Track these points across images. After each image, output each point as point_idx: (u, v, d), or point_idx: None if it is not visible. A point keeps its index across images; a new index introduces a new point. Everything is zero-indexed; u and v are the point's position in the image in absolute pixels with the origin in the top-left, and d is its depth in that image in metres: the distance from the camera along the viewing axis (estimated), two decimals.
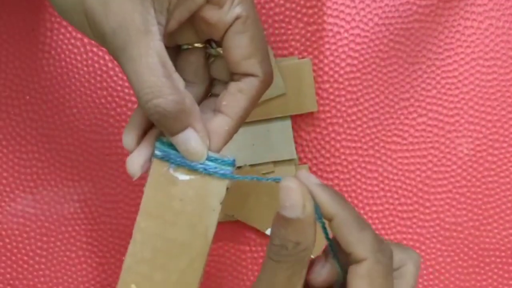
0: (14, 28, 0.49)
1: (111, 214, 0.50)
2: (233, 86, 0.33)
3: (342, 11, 0.50)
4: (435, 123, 0.51)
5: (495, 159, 0.51)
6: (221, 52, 0.33)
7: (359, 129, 0.51)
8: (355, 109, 0.51)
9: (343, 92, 0.50)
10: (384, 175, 0.51)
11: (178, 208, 0.32)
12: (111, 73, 0.50)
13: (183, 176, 0.32)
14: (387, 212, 0.51)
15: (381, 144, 0.51)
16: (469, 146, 0.51)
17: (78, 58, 0.50)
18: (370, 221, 0.51)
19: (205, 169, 0.32)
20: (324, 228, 0.31)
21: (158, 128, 0.32)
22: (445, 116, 0.51)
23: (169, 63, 0.30)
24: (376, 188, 0.51)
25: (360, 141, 0.51)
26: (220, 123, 0.33)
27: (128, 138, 0.33)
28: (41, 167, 0.50)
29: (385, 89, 0.51)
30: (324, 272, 0.32)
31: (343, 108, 0.50)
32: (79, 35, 0.49)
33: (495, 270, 0.52)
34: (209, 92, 0.36)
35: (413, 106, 0.51)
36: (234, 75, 0.34)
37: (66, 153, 0.50)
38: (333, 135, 0.51)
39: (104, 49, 0.49)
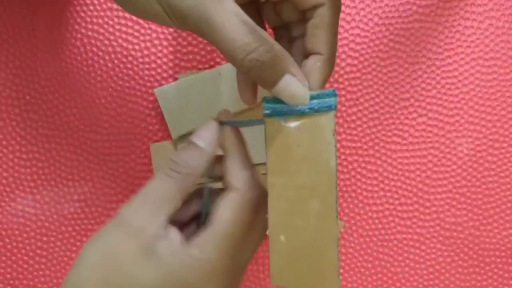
0: (14, 28, 0.49)
1: (111, 214, 0.50)
2: (309, 25, 0.34)
3: (342, 11, 0.50)
4: (435, 123, 0.51)
5: (495, 159, 0.51)
6: None
7: (359, 129, 0.51)
8: (355, 109, 0.51)
9: (343, 92, 0.50)
10: (384, 175, 0.51)
11: (298, 154, 0.34)
12: (111, 73, 0.50)
13: (294, 124, 0.34)
14: (387, 212, 0.51)
15: (381, 144, 0.51)
16: (469, 146, 0.51)
17: (78, 58, 0.50)
18: (370, 221, 0.51)
19: (310, 108, 0.34)
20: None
21: (258, 84, 0.33)
22: (445, 116, 0.51)
23: (249, 20, 0.31)
24: (376, 188, 0.51)
25: (360, 141, 0.51)
26: (313, 61, 0.34)
27: (246, 96, 0.37)
28: (41, 167, 0.50)
29: (385, 89, 0.51)
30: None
31: (343, 108, 0.50)
32: (79, 35, 0.49)
33: (495, 270, 0.52)
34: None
35: (413, 106, 0.51)
36: (306, 13, 0.35)
37: (66, 153, 0.50)
38: None
39: (104, 49, 0.49)
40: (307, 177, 0.35)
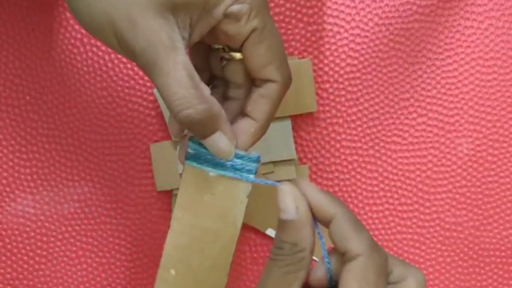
0: (14, 28, 0.49)
1: (111, 214, 0.50)
2: (255, 92, 0.36)
3: (342, 11, 0.50)
4: (435, 123, 0.51)
5: (495, 159, 0.51)
6: (235, 56, 0.36)
7: (359, 129, 0.51)
8: (355, 109, 0.51)
9: (343, 92, 0.50)
10: (384, 175, 0.51)
11: (209, 201, 0.36)
12: (111, 73, 0.50)
13: (213, 173, 0.36)
14: (387, 212, 0.51)
15: (381, 144, 0.51)
16: (469, 146, 0.51)
17: (78, 58, 0.50)
18: (370, 221, 0.51)
19: (232, 166, 0.35)
20: (319, 233, 0.33)
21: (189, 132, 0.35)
22: (445, 116, 0.51)
23: (195, 75, 0.32)
24: (376, 188, 0.51)
25: (360, 141, 0.51)
26: (247, 125, 0.36)
27: (173, 130, 0.37)
28: (41, 167, 0.50)
29: (385, 89, 0.51)
30: (316, 273, 0.33)
31: (343, 108, 0.50)
32: (78, 35, 0.49)
33: (495, 270, 0.52)
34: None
35: (413, 106, 0.51)
36: (255, 81, 0.36)
37: (66, 153, 0.50)
38: (333, 135, 0.51)
39: (104, 49, 0.49)
40: (214, 224, 0.36)
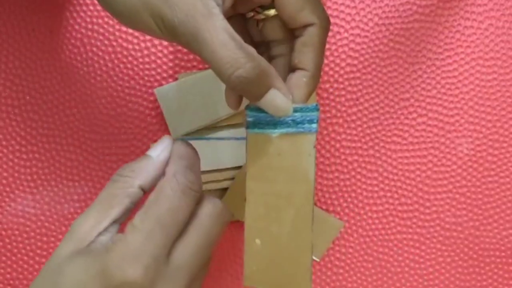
0: (14, 28, 0.49)
1: None
2: (297, 42, 0.35)
3: (342, 11, 0.50)
4: (435, 123, 0.51)
5: (495, 159, 0.51)
6: (269, 13, 0.36)
7: (359, 129, 0.51)
8: (355, 109, 0.51)
9: (343, 92, 0.50)
10: (384, 175, 0.51)
11: (277, 163, 0.36)
12: (111, 73, 0.50)
13: (275, 133, 0.35)
14: (387, 212, 0.51)
15: (381, 144, 0.51)
16: (469, 146, 0.51)
17: (78, 58, 0.50)
18: (370, 221, 0.51)
19: (293, 120, 0.35)
20: None
21: (244, 96, 0.35)
22: (445, 116, 0.51)
23: (237, 36, 0.32)
24: (376, 188, 0.51)
25: (360, 141, 0.51)
26: (298, 77, 0.35)
27: (231, 101, 0.37)
28: (41, 167, 0.50)
29: (385, 89, 0.51)
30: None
31: (343, 108, 0.50)
32: (79, 35, 0.49)
33: (495, 270, 0.52)
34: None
35: (413, 106, 0.51)
36: (295, 31, 0.36)
37: (66, 153, 0.50)
38: (333, 135, 0.51)
39: (104, 49, 0.49)
40: (285, 187, 0.36)
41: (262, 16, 0.36)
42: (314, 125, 0.35)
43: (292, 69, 0.36)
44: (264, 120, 0.35)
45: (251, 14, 0.37)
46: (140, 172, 0.36)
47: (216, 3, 0.32)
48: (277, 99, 0.33)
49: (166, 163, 0.36)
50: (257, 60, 0.32)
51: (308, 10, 0.34)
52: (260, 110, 0.35)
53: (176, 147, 0.37)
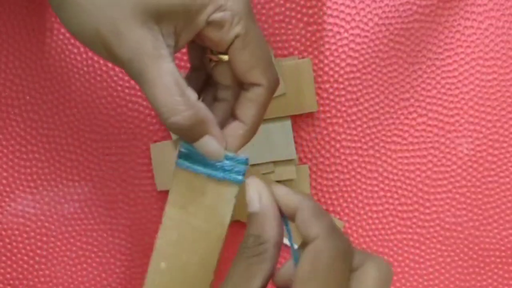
0: (14, 28, 0.49)
1: (111, 214, 0.51)
2: (242, 95, 0.37)
3: (342, 11, 0.50)
4: (435, 123, 0.51)
5: (495, 159, 0.51)
6: (222, 58, 0.36)
7: (359, 129, 0.51)
8: (355, 109, 0.51)
9: (343, 92, 0.50)
10: (384, 175, 0.51)
11: (200, 200, 0.37)
12: (111, 73, 0.50)
13: (203, 173, 0.37)
14: (387, 212, 0.51)
15: (381, 144, 0.51)
16: (469, 146, 0.51)
17: (78, 58, 0.50)
18: (370, 221, 0.51)
19: (222, 167, 0.37)
20: (287, 229, 0.33)
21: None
22: (445, 116, 0.51)
23: (182, 81, 0.33)
24: (376, 188, 0.51)
25: (360, 141, 0.51)
26: (236, 128, 0.37)
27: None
28: (41, 167, 0.50)
29: (385, 89, 0.51)
30: (283, 272, 0.33)
31: (343, 108, 0.50)
32: None
33: (495, 270, 0.52)
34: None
35: (413, 106, 0.51)
36: (243, 85, 0.37)
37: (66, 153, 0.50)
38: (333, 135, 0.51)
39: None
40: (202, 223, 0.37)
41: (215, 58, 0.37)
42: (240, 177, 0.36)
43: (232, 114, 0.38)
44: (195, 157, 0.37)
45: (207, 52, 0.38)
46: (265, 232, 0.31)
47: (167, 44, 0.33)
48: (210, 145, 0.35)
49: (274, 206, 0.32)
50: (195, 109, 0.33)
51: (258, 71, 0.36)
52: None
53: (300, 200, 0.32)
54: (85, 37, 0.33)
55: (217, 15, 0.34)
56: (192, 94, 0.33)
